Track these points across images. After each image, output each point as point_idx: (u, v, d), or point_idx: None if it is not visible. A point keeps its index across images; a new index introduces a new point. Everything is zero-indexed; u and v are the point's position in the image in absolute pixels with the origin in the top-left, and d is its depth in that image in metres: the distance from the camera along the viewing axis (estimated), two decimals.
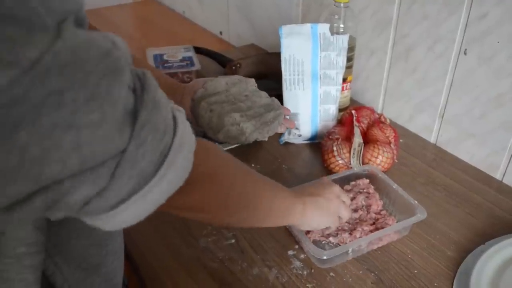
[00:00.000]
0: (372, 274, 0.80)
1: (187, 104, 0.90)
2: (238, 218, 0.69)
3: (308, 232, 0.84)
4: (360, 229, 0.84)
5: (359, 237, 0.82)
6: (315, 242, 0.84)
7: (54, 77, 0.35)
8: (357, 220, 0.87)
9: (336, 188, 0.82)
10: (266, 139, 0.93)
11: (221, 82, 0.93)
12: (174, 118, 0.48)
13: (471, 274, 0.77)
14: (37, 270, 0.51)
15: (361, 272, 0.80)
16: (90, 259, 0.59)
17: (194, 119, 0.90)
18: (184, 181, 0.49)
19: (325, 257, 0.77)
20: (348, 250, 0.80)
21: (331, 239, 0.84)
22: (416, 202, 0.84)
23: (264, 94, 0.96)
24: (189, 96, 0.90)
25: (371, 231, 0.84)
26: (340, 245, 0.82)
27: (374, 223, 0.86)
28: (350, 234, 0.84)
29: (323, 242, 0.84)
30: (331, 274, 0.79)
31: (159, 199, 0.47)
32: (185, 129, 0.49)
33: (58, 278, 0.56)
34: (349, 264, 0.81)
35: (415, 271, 0.80)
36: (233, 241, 0.85)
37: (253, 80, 0.97)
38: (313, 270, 0.80)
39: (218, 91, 0.92)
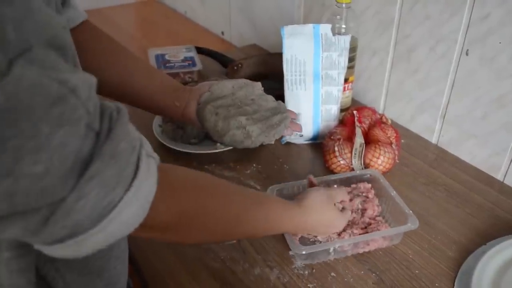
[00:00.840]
0: (373, 274, 0.80)
1: (193, 108, 0.90)
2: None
3: None
4: (349, 231, 0.84)
5: (346, 239, 0.83)
6: (302, 239, 0.84)
7: None
8: (349, 223, 0.87)
9: (340, 196, 0.83)
10: (273, 142, 0.92)
11: (228, 86, 0.92)
12: (137, 168, 0.45)
13: (472, 274, 0.77)
14: (27, 272, 0.50)
15: (362, 272, 0.80)
16: (92, 264, 0.59)
17: (200, 123, 0.90)
18: (138, 225, 0.47)
19: (304, 252, 0.78)
20: (330, 249, 0.81)
21: (319, 237, 0.84)
22: (411, 211, 0.83)
23: (270, 98, 0.96)
24: (195, 100, 0.90)
25: (360, 235, 0.84)
26: None
27: (365, 227, 0.86)
28: (339, 235, 0.84)
29: (311, 240, 0.84)
30: (332, 274, 0.79)
31: (103, 243, 0.45)
32: (145, 180, 0.46)
33: (59, 283, 0.56)
34: (350, 264, 0.81)
35: (416, 272, 0.80)
36: (234, 241, 0.85)
37: (259, 84, 0.97)
38: (314, 270, 0.80)
39: (224, 94, 0.91)
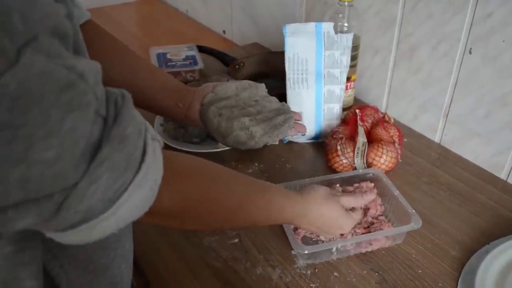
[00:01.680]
0: (376, 274, 0.79)
1: (196, 108, 0.89)
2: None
3: (298, 227, 0.85)
4: (352, 230, 0.84)
5: (349, 239, 0.82)
6: (305, 238, 0.84)
7: (4, 111, 0.34)
8: None
9: (345, 202, 0.81)
10: (277, 142, 0.92)
11: (231, 87, 0.92)
12: (144, 152, 0.46)
13: (476, 274, 0.76)
14: (30, 265, 0.51)
15: (365, 272, 0.80)
16: (97, 262, 0.59)
17: (203, 124, 0.90)
18: (148, 210, 0.48)
19: (306, 252, 0.77)
20: (332, 249, 0.80)
21: (321, 237, 0.84)
22: (414, 211, 0.83)
23: (274, 99, 0.95)
24: (198, 101, 0.89)
25: (363, 234, 0.83)
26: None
27: (368, 227, 0.86)
28: (341, 234, 0.83)
29: (313, 239, 0.84)
30: (335, 274, 0.79)
31: (114, 227, 0.45)
32: (153, 163, 0.47)
33: (62, 279, 0.56)
34: (353, 264, 0.81)
35: (419, 271, 0.80)
36: (236, 240, 0.85)
37: (263, 85, 0.96)
38: (316, 270, 0.80)
39: (228, 95, 0.90)
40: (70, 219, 0.41)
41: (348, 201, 0.81)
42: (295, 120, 0.95)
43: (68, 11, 0.42)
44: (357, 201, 0.83)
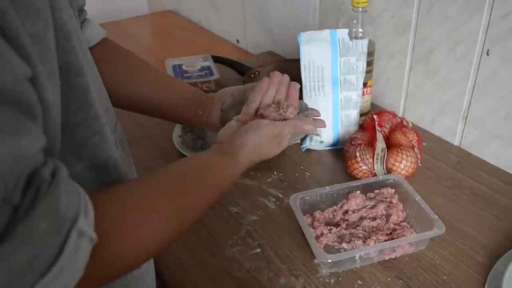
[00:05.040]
0: (401, 281, 0.78)
1: (217, 115, 0.90)
2: None
3: (320, 236, 0.84)
4: (374, 237, 0.83)
5: (372, 246, 0.82)
6: (327, 247, 0.84)
7: None
8: (374, 229, 0.86)
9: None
10: (299, 141, 0.92)
11: (249, 90, 0.93)
12: (61, 251, 0.38)
13: (502, 279, 0.75)
14: None
15: (389, 279, 0.79)
16: (112, 284, 0.57)
17: None
18: None
19: (329, 261, 0.77)
20: (355, 257, 0.80)
21: (343, 245, 0.83)
22: (436, 216, 0.82)
23: None
24: (217, 107, 0.90)
25: (386, 241, 0.83)
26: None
27: (391, 233, 0.85)
28: (364, 241, 0.83)
29: (335, 247, 0.84)
30: (359, 282, 0.78)
31: None
32: (68, 265, 0.39)
33: None
34: (376, 271, 0.80)
35: (444, 277, 0.79)
36: (258, 250, 0.85)
37: None
38: (340, 278, 0.79)
39: (246, 98, 0.91)
40: None
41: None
42: (314, 116, 0.94)
43: (33, 71, 0.39)
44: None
